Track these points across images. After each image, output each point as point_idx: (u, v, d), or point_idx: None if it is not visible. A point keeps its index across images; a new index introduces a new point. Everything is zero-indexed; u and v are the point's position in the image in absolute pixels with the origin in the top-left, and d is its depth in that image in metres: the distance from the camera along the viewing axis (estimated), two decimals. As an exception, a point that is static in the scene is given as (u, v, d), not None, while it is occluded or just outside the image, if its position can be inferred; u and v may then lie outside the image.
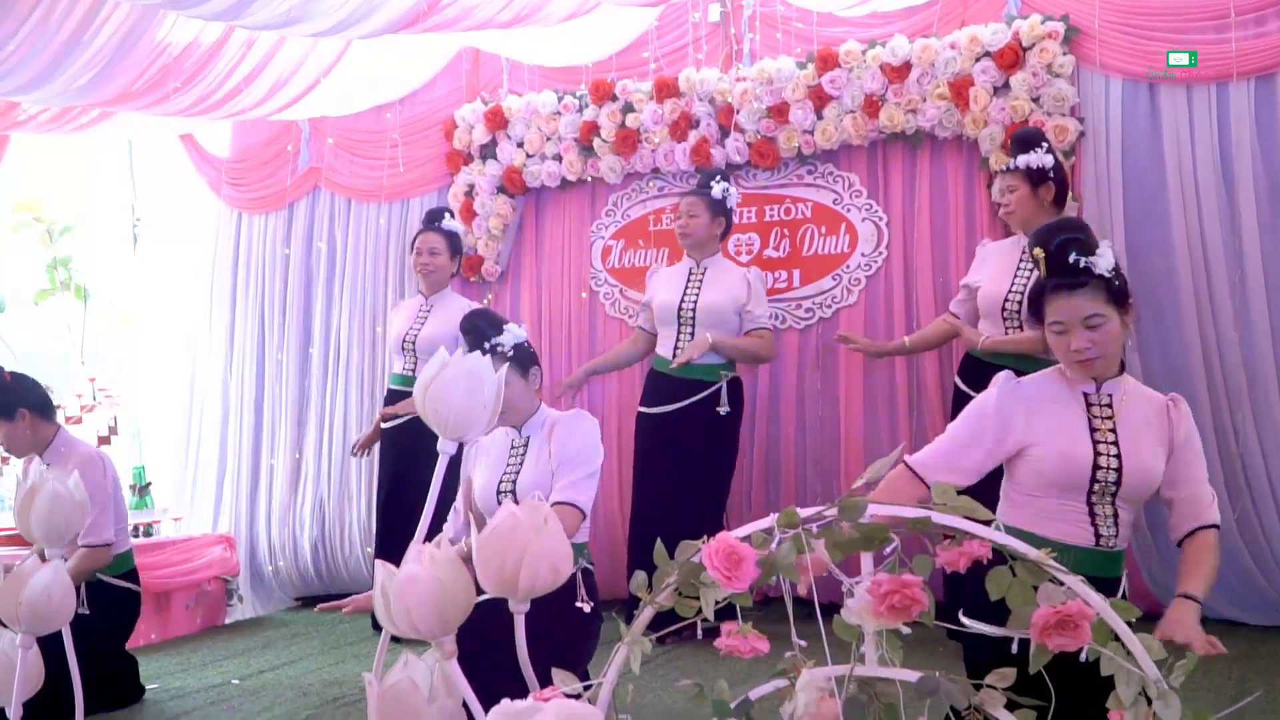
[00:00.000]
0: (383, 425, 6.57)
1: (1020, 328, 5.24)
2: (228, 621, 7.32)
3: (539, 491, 3.96)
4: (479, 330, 4.24)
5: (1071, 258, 3.10)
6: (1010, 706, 2.09)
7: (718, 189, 6.03)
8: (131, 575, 5.41)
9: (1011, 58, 5.99)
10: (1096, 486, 3.12)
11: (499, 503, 4.06)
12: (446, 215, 6.72)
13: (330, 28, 5.74)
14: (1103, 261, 3.10)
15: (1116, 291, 3.11)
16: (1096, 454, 3.11)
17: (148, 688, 5.43)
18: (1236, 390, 5.70)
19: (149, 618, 6.59)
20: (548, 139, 7.14)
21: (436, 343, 5.94)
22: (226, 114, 7.05)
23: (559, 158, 7.14)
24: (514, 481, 4.11)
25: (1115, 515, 3.16)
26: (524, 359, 4.20)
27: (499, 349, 4.15)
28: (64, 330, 8.12)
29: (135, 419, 8.30)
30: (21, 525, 3.31)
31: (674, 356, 5.99)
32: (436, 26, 5.96)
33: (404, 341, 6.48)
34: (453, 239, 6.60)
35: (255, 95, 6.78)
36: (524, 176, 7.22)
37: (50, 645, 3.30)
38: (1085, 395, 3.19)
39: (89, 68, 5.92)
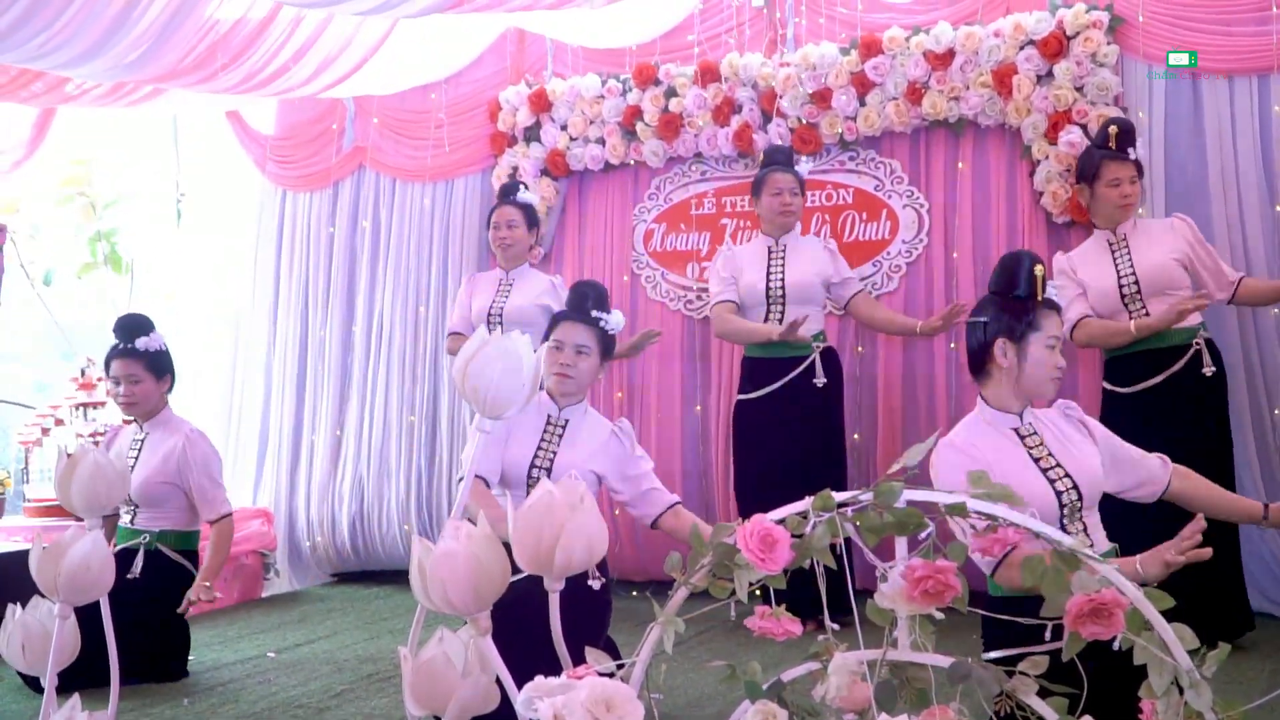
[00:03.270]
0: None
1: (1144, 308, 5.17)
2: (264, 595, 7.35)
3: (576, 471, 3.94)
4: (599, 296, 4.36)
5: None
6: (1041, 694, 2.10)
7: (804, 167, 6.04)
8: (191, 555, 5.35)
9: (1056, 46, 5.98)
10: (1065, 511, 3.20)
11: (530, 478, 4.14)
12: (521, 188, 6.67)
13: (377, 6, 5.76)
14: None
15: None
16: (1051, 483, 3.21)
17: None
18: (1274, 378, 5.70)
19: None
20: (591, 122, 7.15)
21: (524, 315, 6.00)
22: (273, 92, 7.07)
23: (602, 141, 7.14)
24: (551, 460, 4.16)
25: (1085, 528, 3.25)
26: (612, 346, 4.38)
27: (602, 324, 4.30)
28: (107, 304, 8.17)
29: (177, 394, 8.33)
30: (62, 495, 3.33)
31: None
32: (482, 7, 5.96)
33: (489, 314, 6.34)
34: (529, 211, 6.53)
35: (302, 74, 6.79)
36: (567, 159, 7.22)
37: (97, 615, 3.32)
38: (1015, 430, 3.33)
39: (138, 44, 5.95)
